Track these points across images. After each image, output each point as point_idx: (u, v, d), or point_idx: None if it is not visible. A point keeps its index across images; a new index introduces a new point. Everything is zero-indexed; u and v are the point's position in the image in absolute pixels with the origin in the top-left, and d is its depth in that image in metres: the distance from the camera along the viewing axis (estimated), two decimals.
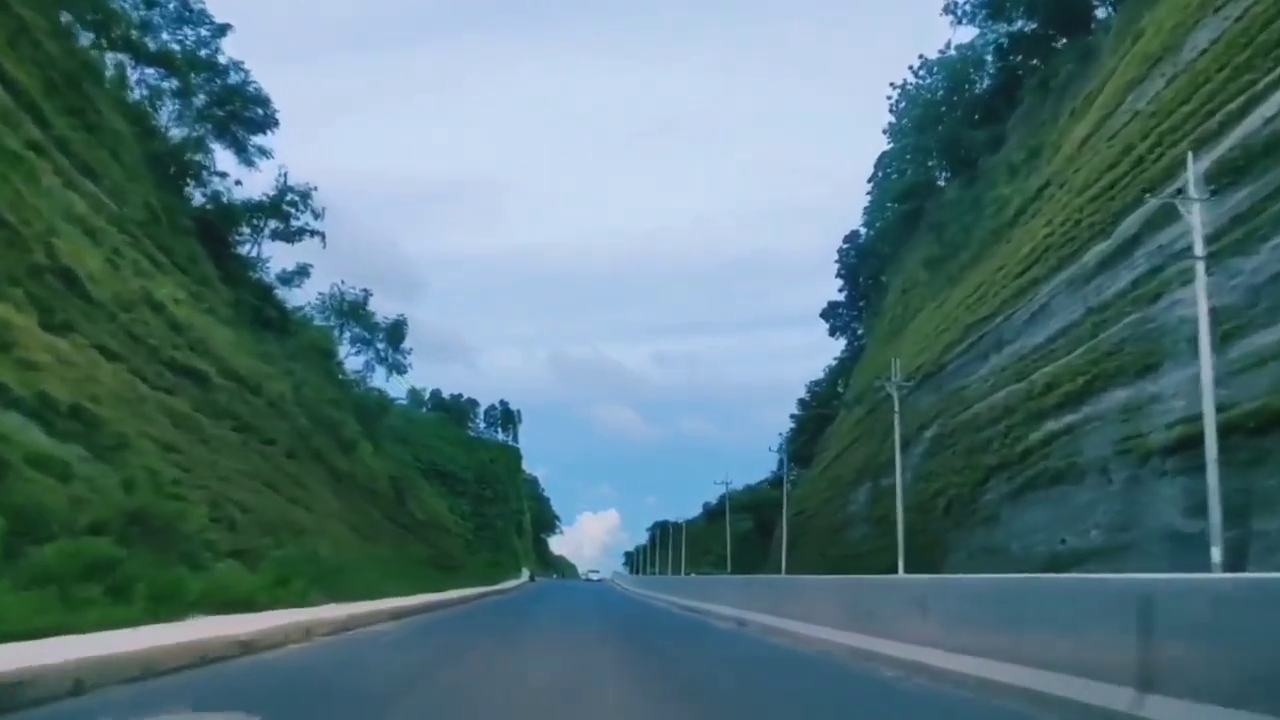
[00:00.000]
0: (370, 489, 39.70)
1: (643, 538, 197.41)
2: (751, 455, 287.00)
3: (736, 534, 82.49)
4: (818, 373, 72.77)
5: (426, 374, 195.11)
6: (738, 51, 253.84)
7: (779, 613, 14.05)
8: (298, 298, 44.41)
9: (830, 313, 70.97)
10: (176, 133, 34.37)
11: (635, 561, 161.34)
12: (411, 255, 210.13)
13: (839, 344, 70.74)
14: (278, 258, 39.84)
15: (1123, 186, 27.33)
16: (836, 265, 68.99)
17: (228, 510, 17.28)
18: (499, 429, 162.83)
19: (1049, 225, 31.95)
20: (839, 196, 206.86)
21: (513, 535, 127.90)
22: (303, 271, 39.97)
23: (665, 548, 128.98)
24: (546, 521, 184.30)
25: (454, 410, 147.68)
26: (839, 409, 62.27)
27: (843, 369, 63.92)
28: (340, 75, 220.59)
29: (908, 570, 33.92)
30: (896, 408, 37.62)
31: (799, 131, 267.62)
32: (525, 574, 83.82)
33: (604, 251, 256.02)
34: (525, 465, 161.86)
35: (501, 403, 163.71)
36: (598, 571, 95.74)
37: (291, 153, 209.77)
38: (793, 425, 73.64)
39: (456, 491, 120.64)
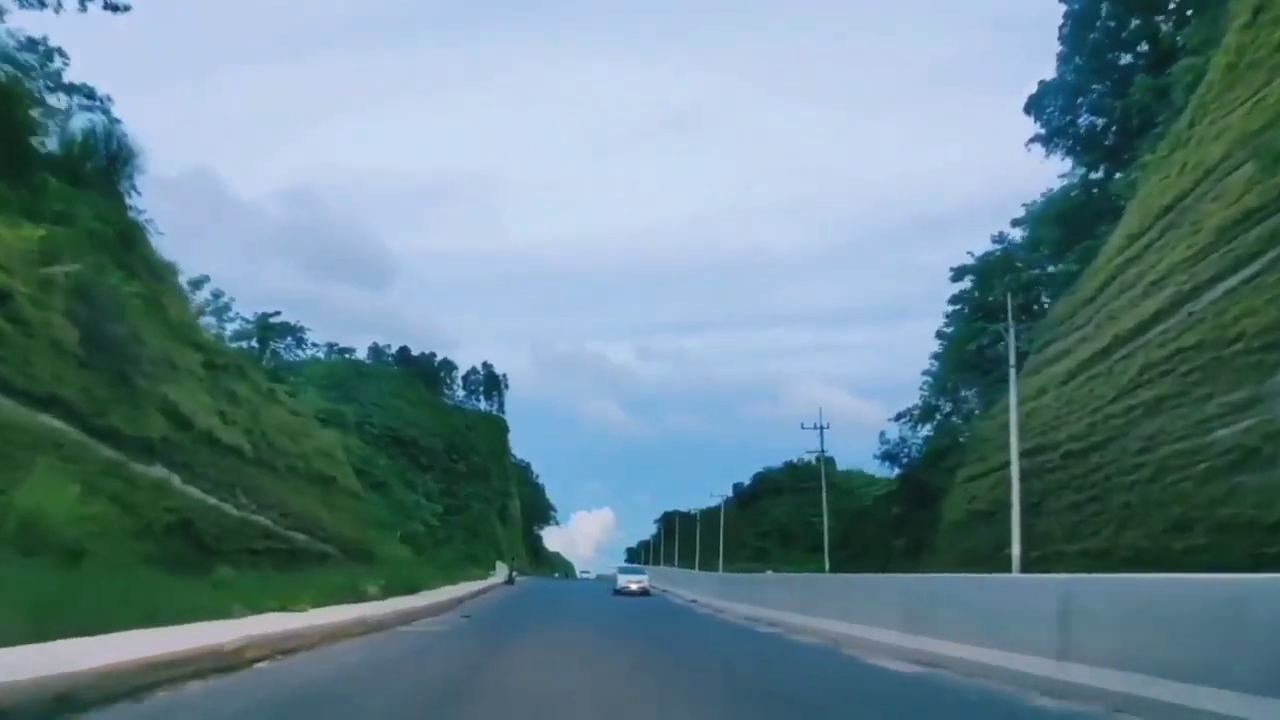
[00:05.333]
0: None
1: (638, 536, 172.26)
2: (749, 454, 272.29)
3: (849, 513, 54.96)
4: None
5: None
6: (738, 49, 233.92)
7: None
8: None
9: (1041, 103, 41.28)
10: None
11: (640, 559, 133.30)
12: (400, 252, 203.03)
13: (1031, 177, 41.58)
14: None
15: None
16: (1060, 23, 39.46)
17: None
18: (481, 397, 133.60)
19: None
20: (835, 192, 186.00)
21: (494, 522, 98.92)
22: None
23: (691, 540, 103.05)
24: (541, 512, 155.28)
25: (424, 370, 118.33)
26: (1068, 268, 33.74)
27: (1087, 196, 35.43)
28: (334, 72, 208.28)
29: None
30: None
31: (798, 130, 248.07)
32: (502, 571, 55.34)
33: (596, 249, 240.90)
34: (514, 451, 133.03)
35: (485, 365, 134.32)
36: (641, 573, 42.15)
37: (287, 150, 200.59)
38: (944, 326, 44.86)
39: (420, 464, 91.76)
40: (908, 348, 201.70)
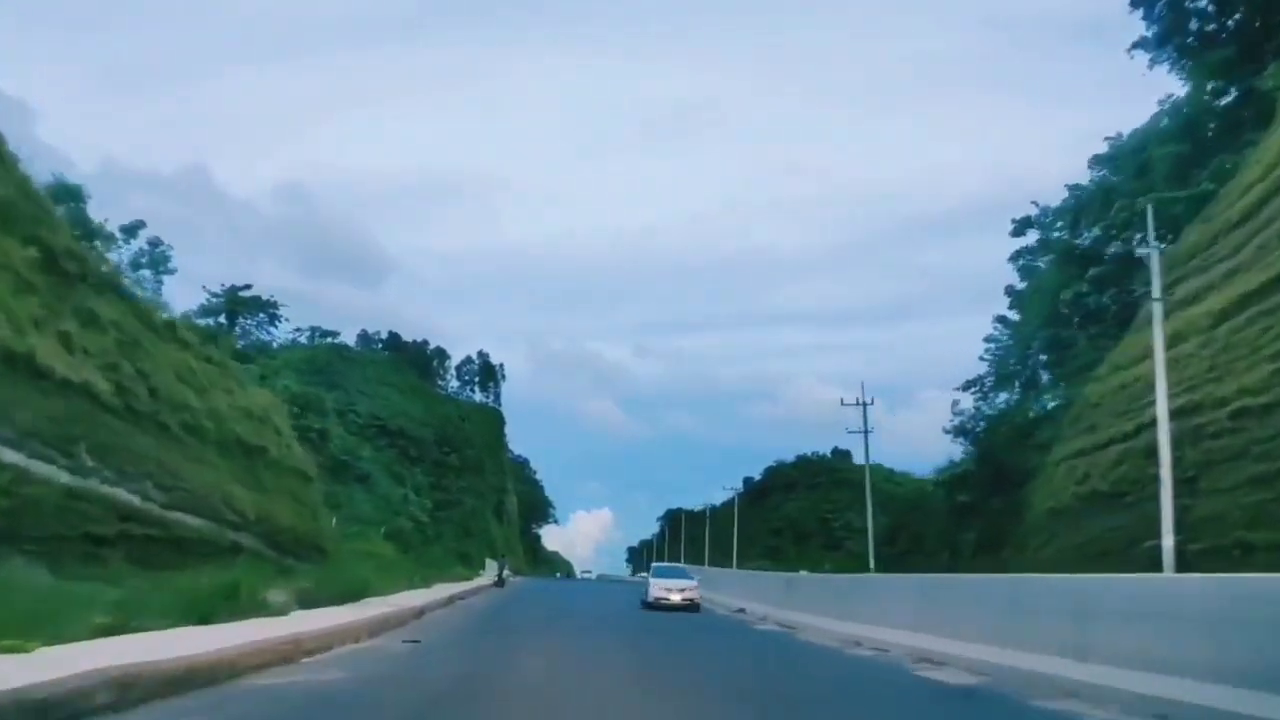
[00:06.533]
0: None
1: (638, 536, 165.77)
2: (749, 453, 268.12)
3: (896, 503, 48.59)
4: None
5: None
6: (738, 49, 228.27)
7: None
8: None
9: None
10: None
11: (642, 559, 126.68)
12: (399, 251, 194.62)
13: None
14: None
15: None
16: None
17: None
18: (476, 388, 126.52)
19: None
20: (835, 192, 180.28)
21: (489, 518, 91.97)
22: None
23: (696, 539, 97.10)
24: (539, 510, 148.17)
25: (416, 358, 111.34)
26: (1203, 190, 27.13)
27: (1215, 106, 28.55)
28: (333, 72, 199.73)
29: None
30: None
31: (798, 130, 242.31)
32: (492, 570, 48.76)
33: (596, 249, 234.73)
34: (512, 448, 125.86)
35: (480, 354, 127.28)
36: (686, 577, 27.27)
37: (284, 148, 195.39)
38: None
39: (409, 456, 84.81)
40: (908, 348, 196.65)
